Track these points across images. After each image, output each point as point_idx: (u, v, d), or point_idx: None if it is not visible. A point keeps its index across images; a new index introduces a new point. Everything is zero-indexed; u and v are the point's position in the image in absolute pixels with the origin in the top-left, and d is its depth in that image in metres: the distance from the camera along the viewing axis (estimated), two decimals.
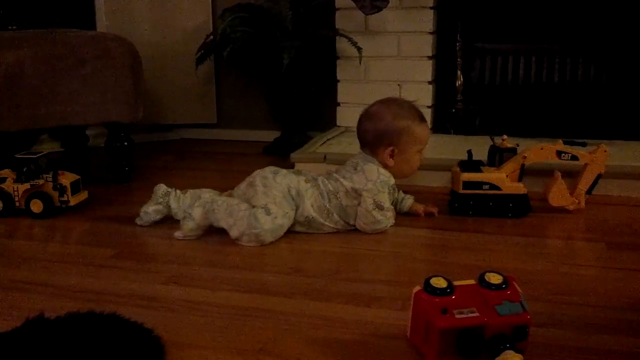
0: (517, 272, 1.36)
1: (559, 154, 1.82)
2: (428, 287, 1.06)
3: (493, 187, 1.80)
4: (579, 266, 1.48)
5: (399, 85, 2.54)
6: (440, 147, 2.33)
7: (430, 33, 2.49)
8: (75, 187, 1.89)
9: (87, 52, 2.11)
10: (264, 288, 1.38)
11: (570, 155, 1.82)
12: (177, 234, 1.68)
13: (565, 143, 1.83)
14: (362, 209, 1.68)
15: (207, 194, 1.76)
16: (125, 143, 2.23)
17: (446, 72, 2.59)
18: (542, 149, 1.81)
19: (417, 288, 1.08)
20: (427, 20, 2.48)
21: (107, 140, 2.23)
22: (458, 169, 1.84)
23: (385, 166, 1.72)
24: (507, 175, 1.81)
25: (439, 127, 2.59)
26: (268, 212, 1.63)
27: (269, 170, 1.73)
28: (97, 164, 2.46)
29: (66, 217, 1.88)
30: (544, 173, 1.90)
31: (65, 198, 1.86)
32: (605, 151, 1.83)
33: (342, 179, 1.70)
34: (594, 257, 1.54)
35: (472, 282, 1.10)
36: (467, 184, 1.80)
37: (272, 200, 1.65)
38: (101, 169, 2.34)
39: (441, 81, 2.60)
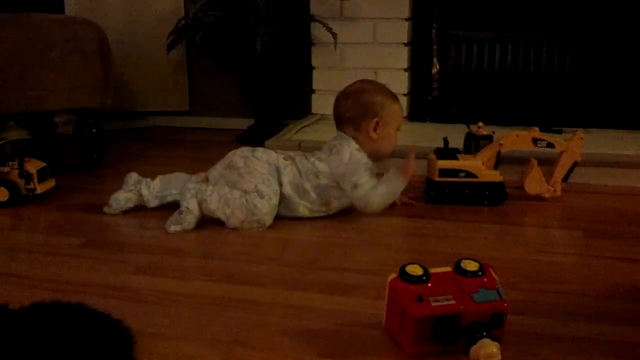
0: (493, 260, 1.35)
1: (535, 141, 1.81)
2: (404, 275, 1.04)
3: (469, 174, 1.79)
4: (556, 254, 1.47)
5: (374, 72, 2.51)
6: (416, 134, 2.32)
7: (406, 19, 2.47)
8: (42, 175, 1.84)
9: (56, 36, 2.05)
10: (237, 277, 1.35)
11: (546, 142, 1.81)
12: (175, 228, 1.60)
13: (541, 131, 1.82)
14: (344, 192, 1.67)
15: (180, 178, 1.73)
16: (94, 130, 2.18)
17: (422, 60, 2.57)
18: (518, 136, 1.80)
19: (393, 276, 1.06)
20: (403, 6, 2.46)
21: (76, 126, 2.18)
22: (434, 156, 1.82)
23: (369, 141, 1.70)
24: (483, 163, 1.80)
25: (414, 114, 2.58)
26: (261, 194, 1.60)
27: (246, 149, 1.71)
28: (66, 152, 2.40)
29: (33, 206, 1.82)
30: (520, 161, 1.88)
31: (31, 186, 1.81)
32: (581, 138, 1.82)
33: (317, 162, 1.68)
34: (571, 245, 1.54)
35: (448, 269, 1.08)
36: (443, 172, 1.79)
37: (259, 179, 1.62)
38: (70, 156, 2.29)
39: (417, 68, 2.58)
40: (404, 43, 2.48)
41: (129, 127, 2.92)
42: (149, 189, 1.73)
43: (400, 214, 1.76)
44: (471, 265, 1.06)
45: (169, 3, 2.81)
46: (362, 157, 1.68)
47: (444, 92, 2.56)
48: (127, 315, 1.14)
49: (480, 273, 1.05)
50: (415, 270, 1.05)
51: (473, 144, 1.85)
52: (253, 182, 1.62)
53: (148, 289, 1.29)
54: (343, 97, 1.76)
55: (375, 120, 1.70)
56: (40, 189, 1.82)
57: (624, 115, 2.37)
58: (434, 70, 2.55)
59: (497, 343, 0.98)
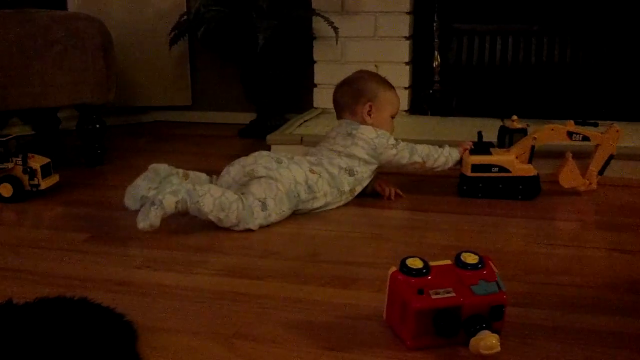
0: (492, 252, 1.36)
1: (570, 134, 1.79)
2: (404, 268, 1.05)
3: (502, 169, 1.78)
4: (555, 246, 1.48)
5: (375, 65, 2.51)
6: (417, 128, 2.32)
7: (407, 13, 2.47)
8: (46, 171, 1.85)
9: (58, 32, 2.06)
10: (239, 271, 1.36)
11: (581, 135, 1.79)
12: (143, 225, 1.50)
13: (576, 124, 1.81)
14: (397, 162, 1.76)
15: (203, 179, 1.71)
16: (97, 125, 2.19)
17: (423, 53, 2.57)
18: (552, 129, 1.79)
19: (393, 269, 1.07)
20: (404, 0, 2.45)
21: (79, 122, 2.19)
22: (467, 152, 1.81)
23: (365, 123, 1.77)
24: (517, 157, 1.78)
25: (416, 108, 2.58)
26: (264, 207, 1.58)
27: (271, 158, 1.67)
28: (69, 147, 2.41)
29: (37, 201, 1.83)
30: (555, 155, 1.87)
31: (35, 182, 1.82)
32: (617, 131, 1.80)
33: (348, 149, 1.72)
34: (571, 237, 1.54)
35: (448, 262, 1.09)
36: (476, 167, 1.78)
37: (272, 195, 1.59)
38: (73, 152, 2.30)
39: (418, 62, 2.58)
40: (405, 37, 2.48)
41: (132, 122, 2.94)
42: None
43: (401, 207, 1.78)
44: (471, 258, 1.07)
45: None
46: (383, 130, 1.76)
47: (445, 85, 2.56)
48: (131, 309, 1.15)
49: (479, 265, 1.06)
50: (415, 263, 1.06)
51: (507, 138, 1.83)
52: (265, 193, 1.59)
53: (151, 283, 1.30)
54: (340, 85, 1.86)
55: (368, 104, 1.77)
56: (44, 184, 1.83)
57: (625, 107, 2.37)
58: (435, 64, 2.55)
59: (496, 335, 0.99)
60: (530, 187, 1.80)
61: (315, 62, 2.59)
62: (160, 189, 1.54)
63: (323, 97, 2.59)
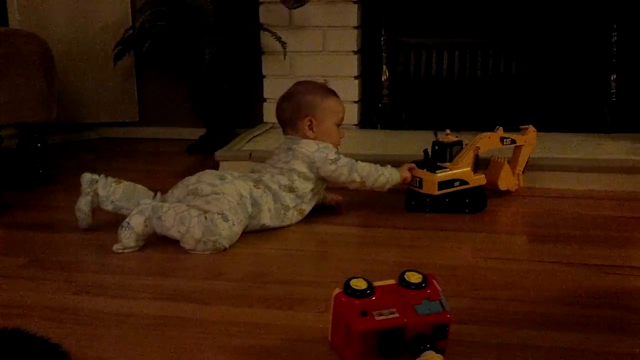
0: (440, 267, 1.36)
1: (502, 140, 1.88)
2: (348, 289, 1.04)
3: (462, 182, 1.79)
4: (502, 260, 1.48)
5: (325, 80, 2.50)
6: (367, 141, 2.32)
7: (355, 27, 2.47)
8: None
9: None
10: (181, 295, 1.32)
11: (510, 140, 1.90)
12: (116, 246, 1.53)
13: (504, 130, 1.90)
14: (335, 178, 1.71)
15: (143, 194, 1.67)
16: (39, 144, 2.12)
17: (372, 67, 2.58)
18: (489, 137, 1.86)
19: (337, 290, 1.06)
20: (351, 14, 2.46)
21: (19, 141, 2.13)
22: (425, 170, 1.79)
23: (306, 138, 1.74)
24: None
25: (366, 122, 2.58)
26: (225, 218, 1.54)
27: (214, 176, 1.64)
28: (10, 167, 2.33)
29: None
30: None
31: None
32: (534, 131, 1.93)
33: (289, 165, 1.69)
34: (517, 251, 1.55)
35: (392, 281, 1.08)
36: (442, 184, 1.77)
37: (227, 206, 1.55)
38: (14, 172, 2.22)
39: (367, 76, 2.59)
40: (353, 51, 2.49)
41: (76, 139, 2.86)
42: (107, 188, 1.65)
43: (349, 223, 1.77)
44: (414, 277, 1.06)
45: (115, 13, 2.76)
46: (326, 143, 1.73)
47: (394, 99, 2.57)
48: (67, 338, 1.10)
49: (423, 285, 1.05)
50: (359, 284, 1.04)
51: (447, 152, 1.84)
52: (219, 206, 1.55)
53: (90, 310, 1.26)
54: (280, 100, 1.82)
55: (307, 119, 1.74)
56: None
57: (569, 118, 2.42)
58: (384, 78, 2.56)
59: (440, 355, 0.98)
60: (482, 196, 1.82)
61: (264, 76, 2.57)
62: (122, 200, 1.63)
63: (272, 112, 2.52)
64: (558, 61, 2.48)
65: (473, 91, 2.55)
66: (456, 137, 1.86)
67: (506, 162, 1.89)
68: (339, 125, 1.79)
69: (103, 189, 1.64)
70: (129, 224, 1.52)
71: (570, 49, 2.46)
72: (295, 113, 1.76)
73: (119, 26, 2.70)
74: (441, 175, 1.78)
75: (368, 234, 1.68)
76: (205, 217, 1.52)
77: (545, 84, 2.49)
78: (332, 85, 2.45)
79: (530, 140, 1.93)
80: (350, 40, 2.48)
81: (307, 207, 1.73)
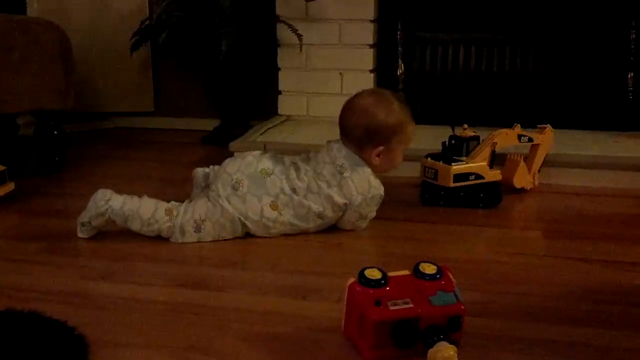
0: (454, 261, 1.36)
1: (519, 137, 1.88)
2: (362, 279, 1.04)
3: (478, 176, 1.79)
4: (516, 255, 1.48)
5: (340, 73, 2.52)
6: None
7: (371, 21, 2.47)
8: (1, 178, 1.80)
9: (16, 38, 2.01)
10: (197, 282, 1.33)
11: (527, 137, 1.89)
12: (79, 234, 1.56)
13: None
14: (345, 219, 1.59)
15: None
16: (56, 132, 2.14)
17: (387, 61, 2.57)
18: (507, 134, 1.85)
19: (352, 280, 1.06)
20: (368, 8, 2.46)
21: (36, 129, 2.14)
22: (441, 162, 1.79)
23: (369, 164, 1.58)
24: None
25: None
26: (198, 229, 1.51)
27: (228, 184, 1.53)
28: (27, 155, 2.35)
29: None
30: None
31: None
32: (551, 131, 1.93)
33: (330, 192, 1.54)
34: (531, 246, 1.55)
35: (407, 272, 1.08)
36: (457, 177, 1.77)
37: (214, 218, 1.51)
38: (31, 159, 2.24)
39: (382, 70, 2.58)
40: (369, 45, 2.48)
41: (92, 128, 2.88)
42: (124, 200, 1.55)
43: None
44: (429, 268, 1.07)
45: (132, 3, 2.78)
46: (380, 187, 1.58)
47: (410, 93, 2.57)
48: (83, 322, 1.12)
49: (438, 276, 1.05)
50: (373, 274, 1.05)
51: (464, 146, 1.82)
52: (206, 215, 1.52)
53: (107, 295, 1.27)
54: (349, 111, 1.59)
55: (380, 149, 1.56)
56: None
57: (586, 115, 2.40)
58: (399, 72, 2.55)
59: (454, 346, 0.99)
60: (498, 192, 1.81)
61: (279, 69, 2.57)
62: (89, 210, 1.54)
63: (287, 104, 2.58)
64: (575, 58, 2.46)
65: (489, 87, 2.54)
66: (473, 132, 1.85)
67: (522, 160, 1.89)
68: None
69: (117, 201, 1.54)
70: (90, 223, 1.54)
71: (588, 46, 2.44)
72: (368, 137, 1.55)
73: (136, 16, 2.72)
74: (457, 167, 1.77)
75: (382, 227, 1.67)
76: (173, 222, 1.51)
77: (562, 81, 2.47)
78: (348, 78, 2.49)
79: (547, 139, 1.93)
80: (367, 33, 2.48)
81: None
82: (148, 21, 2.62)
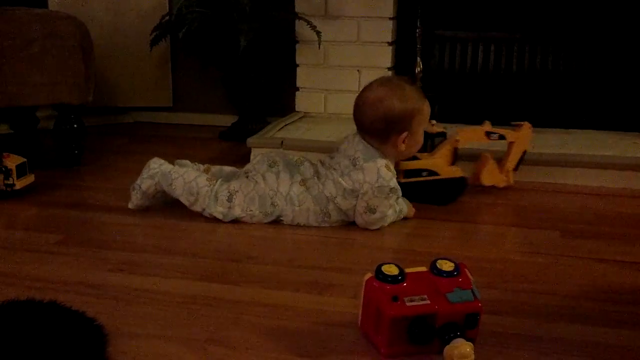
0: (469, 259, 1.36)
1: (488, 134, 1.85)
2: (379, 274, 1.04)
3: (432, 173, 1.78)
4: (532, 254, 1.47)
5: (358, 70, 2.51)
6: None
7: (390, 19, 2.47)
8: (22, 170, 1.82)
9: (36, 31, 2.03)
10: (214, 275, 1.34)
11: (498, 135, 1.86)
12: (130, 204, 1.70)
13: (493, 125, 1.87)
14: (356, 212, 1.60)
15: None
16: (75, 125, 2.15)
17: (406, 59, 2.57)
18: (473, 131, 1.84)
19: (369, 275, 1.06)
20: (387, 5, 2.45)
21: (56, 122, 2.16)
22: None
23: (396, 151, 1.61)
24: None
25: None
26: (230, 198, 1.60)
27: (264, 161, 1.67)
28: (47, 147, 2.37)
29: (11, 201, 1.80)
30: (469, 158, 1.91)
31: (10, 181, 1.79)
32: (529, 128, 1.88)
33: (340, 178, 1.59)
34: (548, 245, 1.54)
35: (424, 269, 1.08)
36: (408, 172, 1.77)
37: (245, 191, 1.61)
38: (51, 152, 2.26)
39: (400, 68, 2.58)
40: (387, 42, 2.48)
41: (111, 122, 2.90)
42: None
43: None
44: (446, 265, 1.07)
45: None
46: (390, 180, 1.58)
47: (427, 91, 2.55)
48: (102, 313, 1.13)
49: (455, 273, 1.05)
50: (390, 270, 1.05)
51: (429, 142, 1.83)
52: (239, 187, 1.62)
53: (125, 286, 1.28)
54: (365, 106, 1.60)
55: (405, 134, 1.59)
56: (19, 184, 1.80)
57: (605, 116, 2.38)
58: (418, 70, 2.55)
59: (471, 343, 0.99)
60: (459, 188, 1.81)
61: (297, 65, 2.58)
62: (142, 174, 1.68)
63: (305, 101, 2.58)
64: (595, 58, 2.44)
65: (507, 86, 2.52)
66: (443, 128, 1.86)
67: (490, 157, 1.86)
68: None
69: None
70: (140, 186, 1.66)
71: (609, 47, 2.42)
72: (391, 126, 1.57)
73: (155, 11, 2.73)
74: (406, 163, 1.76)
75: (397, 223, 1.67)
76: (210, 189, 1.61)
77: (582, 81, 2.45)
78: (366, 76, 2.48)
79: (523, 137, 1.88)
80: (385, 31, 2.47)
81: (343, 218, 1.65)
82: (168, 17, 2.63)
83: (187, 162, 1.76)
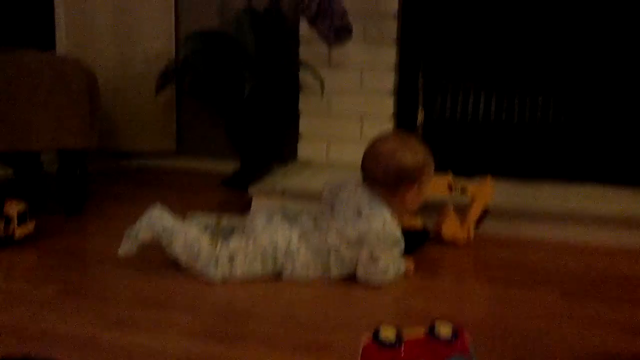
0: (469, 320, 1.34)
1: (450, 187, 1.84)
2: (376, 339, 1.03)
3: None
4: (533, 317, 1.45)
5: (360, 119, 2.53)
6: None
7: (392, 67, 2.49)
8: (22, 218, 1.82)
9: (43, 75, 2.05)
10: (210, 333, 1.33)
11: (461, 188, 1.85)
12: (120, 251, 1.63)
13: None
14: (359, 263, 1.60)
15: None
16: (78, 171, 2.16)
17: (407, 108, 2.58)
18: (434, 181, 1.78)
19: (366, 336, 1.05)
20: (389, 54, 2.48)
21: (59, 167, 2.16)
22: None
23: (402, 205, 1.63)
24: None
25: None
26: (232, 259, 1.58)
27: (264, 215, 1.66)
28: (50, 192, 2.37)
29: (10, 249, 1.79)
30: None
31: (10, 231, 1.78)
32: (490, 183, 1.87)
33: (344, 227, 1.58)
34: (550, 306, 1.51)
35: (422, 330, 1.07)
36: None
37: (246, 250, 1.59)
38: (53, 197, 2.26)
39: (402, 116, 2.59)
40: (389, 91, 2.50)
41: (114, 167, 2.91)
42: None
43: None
44: (445, 329, 1.05)
45: (159, 44, 2.82)
46: (395, 231, 1.58)
47: (429, 140, 2.56)
48: None
49: (453, 338, 1.04)
50: (387, 334, 1.04)
51: None
52: (239, 244, 1.60)
53: (119, 344, 1.26)
54: (377, 158, 1.63)
55: (414, 186, 1.62)
56: (19, 232, 1.80)
57: (608, 168, 2.37)
58: (420, 118, 2.56)
59: None
60: (418, 241, 1.79)
61: (300, 113, 2.59)
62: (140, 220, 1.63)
63: (308, 149, 2.59)
64: (597, 110, 2.44)
65: (509, 137, 2.53)
66: None
67: (451, 210, 1.84)
68: None
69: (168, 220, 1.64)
70: (136, 236, 1.61)
71: (611, 99, 2.43)
72: (400, 179, 1.60)
73: (162, 56, 2.77)
74: None
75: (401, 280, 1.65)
76: (211, 253, 1.58)
77: (583, 133, 2.45)
78: (368, 124, 2.50)
79: (483, 191, 1.86)
80: (387, 79, 2.49)
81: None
82: (174, 62, 2.66)
83: (199, 215, 1.75)
